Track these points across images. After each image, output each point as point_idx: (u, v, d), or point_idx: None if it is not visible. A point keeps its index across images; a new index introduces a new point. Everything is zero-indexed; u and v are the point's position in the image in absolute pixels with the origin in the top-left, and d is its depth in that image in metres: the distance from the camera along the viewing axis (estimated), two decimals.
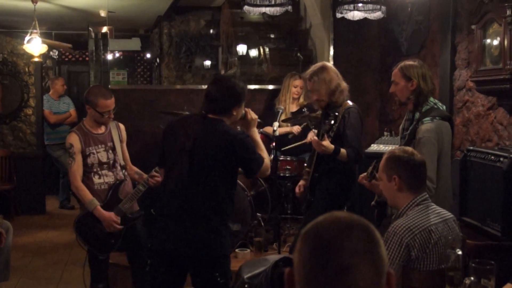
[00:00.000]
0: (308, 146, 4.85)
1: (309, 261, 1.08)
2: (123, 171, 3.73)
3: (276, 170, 4.46)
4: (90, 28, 6.40)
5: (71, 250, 5.65)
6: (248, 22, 7.59)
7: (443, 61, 4.43)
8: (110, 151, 3.67)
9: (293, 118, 5.20)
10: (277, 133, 4.24)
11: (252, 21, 7.59)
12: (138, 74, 11.95)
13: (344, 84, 3.72)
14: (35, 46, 6.58)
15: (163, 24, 9.46)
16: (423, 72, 3.20)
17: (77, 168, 3.54)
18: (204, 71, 9.61)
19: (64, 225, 6.75)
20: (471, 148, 3.36)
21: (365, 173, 2.99)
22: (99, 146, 3.63)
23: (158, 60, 10.15)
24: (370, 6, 3.95)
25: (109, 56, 8.53)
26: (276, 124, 4.29)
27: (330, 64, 4.02)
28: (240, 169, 2.89)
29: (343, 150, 3.53)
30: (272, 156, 4.28)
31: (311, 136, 4.43)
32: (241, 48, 7.38)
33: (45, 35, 7.89)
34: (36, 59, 7.04)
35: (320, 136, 3.47)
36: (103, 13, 7.94)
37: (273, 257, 3.26)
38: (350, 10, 4.00)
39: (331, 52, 6.00)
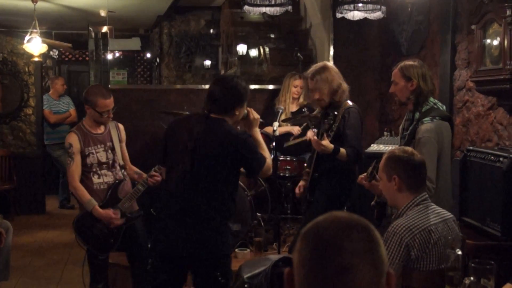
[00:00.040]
0: (308, 145, 4.85)
1: (309, 261, 1.08)
2: (122, 171, 3.73)
3: (276, 170, 4.46)
4: (90, 28, 6.40)
5: (71, 249, 5.65)
6: (248, 22, 7.59)
7: (443, 61, 4.43)
8: (110, 151, 3.67)
9: (293, 118, 5.20)
10: (277, 133, 4.24)
11: (252, 21, 7.59)
12: (138, 74, 11.94)
13: (345, 85, 3.72)
14: (35, 45, 6.58)
15: (163, 24, 9.46)
16: (423, 72, 3.20)
17: (75, 168, 3.54)
18: (204, 71, 9.61)
19: (64, 225, 6.75)
20: (471, 148, 3.36)
21: (364, 174, 2.99)
22: (99, 146, 3.63)
23: (158, 60, 10.15)
24: (370, 6, 3.95)
25: (109, 56, 8.53)
26: (276, 124, 4.29)
27: (331, 64, 4.02)
28: (242, 169, 2.89)
29: (342, 150, 3.53)
30: (272, 156, 4.28)
31: (311, 134, 4.42)
32: (241, 48, 7.38)
33: (45, 35, 7.88)
34: (36, 59, 7.04)
35: (320, 135, 3.47)
36: (103, 13, 7.94)
37: (273, 257, 3.26)
38: (350, 10, 4.00)
39: (331, 52, 6.00)
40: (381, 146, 4.49)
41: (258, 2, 3.83)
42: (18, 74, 7.65)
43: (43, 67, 9.01)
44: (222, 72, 8.63)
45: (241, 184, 4.47)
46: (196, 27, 9.54)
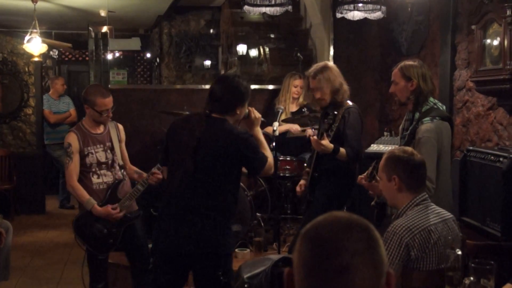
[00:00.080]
0: (307, 143, 4.86)
1: (309, 261, 1.08)
2: (122, 170, 3.73)
3: (276, 170, 4.46)
4: (90, 28, 6.40)
5: (71, 249, 5.65)
6: (248, 22, 7.59)
7: (443, 61, 4.43)
8: (109, 151, 3.67)
9: (293, 118, 5.20)
10: (277, 133, 4.24)
11: (252, 21, 7.58)
12: (138, 74, 11.94)
13: (346, 85, 3.72)
14: (35, 45, 6.58)
15: (163, 24, 9.46)
16: (423, 72, 3.20)
17: (73, 168, 3.54)
18: (204, 71, 9.61)
19: (64, 224, 6.75)
20: (471, 148, 3.36)
21: (364, 174, 2.99)
22: (98, 146, 3.63)
23: (158, 60, 10.14)
24: (370, 6, 3.95)
25: (109, 56, 8.52)
26: (276, 124, 4.29)
27: (333, 64, 4.02)
28: (243, 169, 2.90)
29: (342, 150, 3.53)
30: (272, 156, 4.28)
31: (310, 131, 4.43)
32: (241, 48, 7.38)
33: (45, 35, 7.89)
34: (36, 59, 7.04)
35: (319, 135, 3.47)
36: (103, 13, 7.94)
37: (272, 257, 3.26)
38: (350, 10, 4.00)
39: (331, 52, 6.00)
40: (381, 146, 4.49)
41: (258, 2, 3.83)
42: (18, 74, 7.65)
43: (43, 67, 9.01)
44: (222, 72, 8.63)
45: (241, 184, 4.46)
46: (196, 27, 9.54)
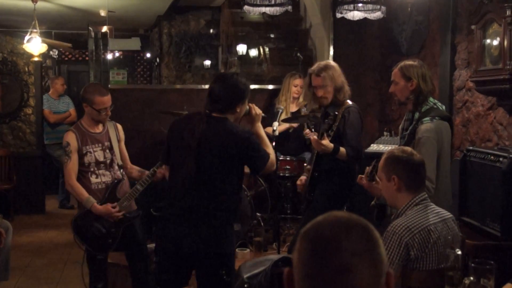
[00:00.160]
0: (307, 143, 4.86)
1: (308, 261, 1.08)
2: (121, 170, 3.73)
3: (276, 170, 4.46)
4: (90, 28, 6.41)
5: (71, 249, 5.65)
6: (248, 22, 7.59)
7: (443, 61, 4.43)
8: (107, 151, 3.66)
9: (293, 118, 5.20)
10: (276, 133, 4.24)
11: (252, 21, 7.59)
12: (138, 74, 11.94)
13: (347, 85, 3.73)
14: (35, 45, 6.58)
15: (163, 24, 9.46)
16: (423, 72, 3.20)
17: (72, 167, 3.54)
18: (204, 71, 9.61)
19: (64, 224, 6.74)
20: (471, 148, 3.36)
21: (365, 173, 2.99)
22: (96, 145, 3.63)
23: (158, 59, 10.14)
24: (370, 6, 3.95)
25: (109, 56, 8.54)
26: (276, 124, 4.29)
27: (334, 63, 4.02)
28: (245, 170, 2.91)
29: (342, 149, 3.53)
30: None
31: (308, 132, 4.43)
32: (241, 48, 7.39)
33: (45, 35, 7.89)
34: (36, 59, 7.04)
35: (320, 135, 3.47)
36: (103, 13, 7.94)
37: (272, 257, 3.26)
38: (350, 10, 4.00)
39: (331, 52, 6.00)
40: (380, 146, 4.49)
41: (258, 2, 3.83)
42: (18, 74, 7.65)
43: (43, 67, 9.01)
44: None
45: None
46: (196, 27, 9.54)
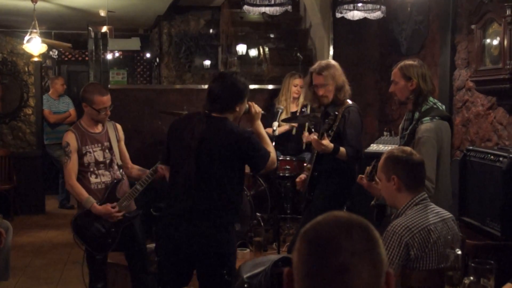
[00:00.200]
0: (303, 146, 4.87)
1: (308, 260, 1.08)
2: (121, 170, 3.72)
3: (276, 170, 4.46)
4: (90, 28, 6.41)
5: (71, 249, 5.65)
6: (248, 22, 7.59)
7: (443, 61, 4.43)
8: (107, 151, 3.66)
9: (293, 118, 5.20)
10: (276, 133, 4.24)
11: (251, 21, 7.59)
12: (137, 74, 11.94)
13: (348, 85, 3.73)
14: (34, 45, 6.58)
15: (162, 24, 9.46)
16: (423, 72, 3.20)
17: (72, 167, 3.54)
18: (204, 71, 9.61)
19: (64, 224, 6.74)
20: (471, 148, 3.36)
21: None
22: (96, 145, 3.62)
23: (157, 59, 10.14)
24: (370, 6, 3.95)
25: (109, 56, 8.53)
26: (275, 124, 4.29)
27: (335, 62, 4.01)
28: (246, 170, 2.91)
29: (342, 149, 3.53)
30: None
31: (306, 136, 4.43)
32: (241, 48, 7.38)
33: (45, 35, 7.89)
34: (35, 59, 7.04)
35: (320, 135, 3.47)
36: (102, 13, 7.94)
37: (272, 257, 3.26)
38: (350, 10, 4.00)
39: (331, 52, 6.00)
40: (380, 146, 4.49)
41: (258, 2, 3.83)
42: (18, 74, 7.65)
43: (43, 67, 9.01)
44: None
45: None
46: (196, 27, 9.54)
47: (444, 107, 3.34)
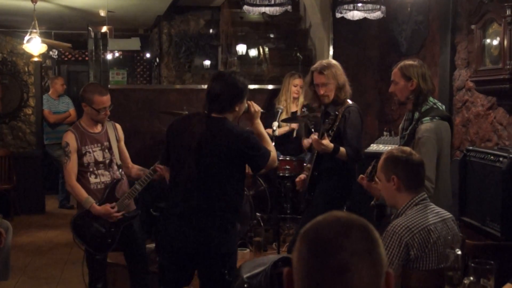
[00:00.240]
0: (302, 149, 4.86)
1: (308, 260, 1.08)
2: (120, 170, 3.72)
3: (276, 170, 4.46)
4: (90, 28, 6.40)
5: (71, 249, 5.65)
6: (248, 22, 7.58)
7: (443, 61, 4.43)
8: (106, 151, 3.66)
9: (293, 118, 5.20)
10: (276, 133, 4.24)
11: (251, 21, 7.58)
12: (137, 74, 11.93)
13: (348, 84, 3.73)
14: (34, 45, 6.57)
15: (162, 24, 9.46)
16: (423, 72, 3.20)
17: (72, 167, 3.54)
18: (204, 71, 9.60)
19: (64, 224, 6.74)
20: (471, 148, 3.36)
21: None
22: (95, 145, 3.63)
23: (157, 59, 10.13)
24: (369, 6, 3.95)
25: (109, 56, 8.52)
26: (275, 124, 4.29)
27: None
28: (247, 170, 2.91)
29: (342, 149, 3.53)
30: None
31: (307, 143, 4.43)
32: (241, 48, 7.38)
33: (45, 35, 7.88)
34: (35, 59, 7.03)
35: (320, 135, 3.47)
36: (102, 13, 7.93)
37: (272, 257, 3.26)
38: (350, 10, 4.00)
39: (331, 52, 5.99)
40: (380, 146, 4.49)
41: (258, 2, 3.83)
42: (18, 74, 7.65)
43: (43, 67, 9.01)
44: None
45: None
46: (196, 27, 9.53)
47: (444, 107, 3.34)
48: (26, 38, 6.61)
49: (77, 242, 3.62)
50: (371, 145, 4.59)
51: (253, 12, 4.06)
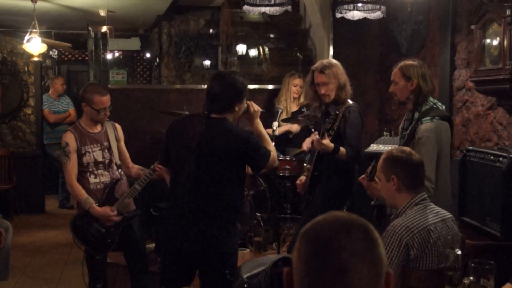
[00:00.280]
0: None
1: (308, 260, 1.08)
2: (119, 170, 3.72)
3: (275, 170, 4.46)
4: (90, 28, 6.41)
5: (71, 249, 5.65)
6: (248, 22, 7.58)
7: (443, 61, 4.43)
8: (106, 151, 3.66)
9: (293, 118, 5.20)
10: (276, 133, 4.24)
11: (251, 21, 7.58)
12: (137, 74, 11.93)
13: (349, 84, 3.73)
14: (34, 45, 6.57)
15: (162, 24, 9.46)
16: (423, 72, 3.20)
17: (72, 167, 3.54)
18: (204, 71, 9.61)
19: (64, 224, 6.74)
20: (471, 148, 3.36)
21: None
22: (95, 145, 3.63)
23: (157, 59, 10.14)
24: (369, 6, 3.95)
25: (109, 56, 8.53)
26: (275, 124, 4.29)
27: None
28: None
29: (342, 149, 3.53)
30: None
31: (307, 145, 4.43)
32: (241, 48, 7.38)
33: (45, 35, 7.89)
34: (35, 59, 7.04)
35: (320, 134, 3.47)
36: (102, 13, 7.94)
37: (272, 257, 3.26)
38: (350, 10, 4.00)
39: (331, 52, 6.00)
40: (380, 146, 4.49)
41: (258, 2, 3.82)
42: (18, 74, 7.65)
43: (43, 67, 9.01)
44: None
45: None
46: (196, 27, 9.54)
47: (444, 107, 3.34)
48: (26, 38, 6.61)
49: (77, 242, 3.62)
50: (371, 145, 4.59)
51: (253, 12, 4.06)
